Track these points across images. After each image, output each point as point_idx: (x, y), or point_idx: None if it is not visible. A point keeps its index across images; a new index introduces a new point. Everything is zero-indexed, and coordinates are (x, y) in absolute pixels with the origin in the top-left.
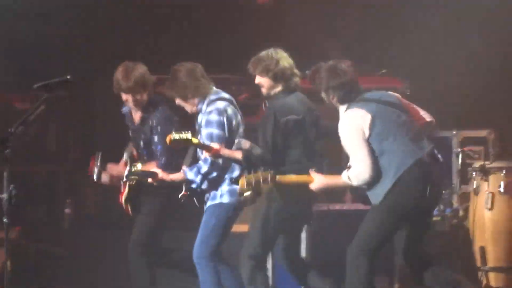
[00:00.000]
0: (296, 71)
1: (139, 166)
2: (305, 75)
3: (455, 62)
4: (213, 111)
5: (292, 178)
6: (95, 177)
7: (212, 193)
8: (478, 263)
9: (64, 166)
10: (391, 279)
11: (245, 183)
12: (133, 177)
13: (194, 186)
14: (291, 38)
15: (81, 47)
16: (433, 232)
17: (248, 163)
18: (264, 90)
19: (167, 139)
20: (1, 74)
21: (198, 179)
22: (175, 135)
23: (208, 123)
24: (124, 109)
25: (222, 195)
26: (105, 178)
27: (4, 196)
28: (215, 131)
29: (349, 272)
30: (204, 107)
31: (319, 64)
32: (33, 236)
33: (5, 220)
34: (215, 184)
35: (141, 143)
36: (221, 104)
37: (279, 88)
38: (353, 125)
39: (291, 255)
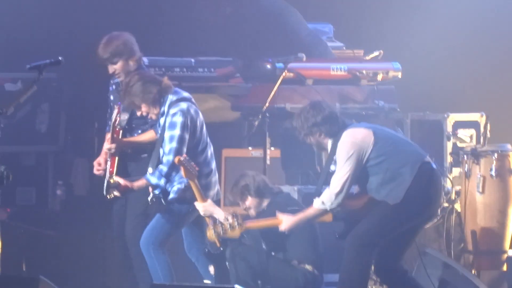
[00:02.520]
0: None
1: (115, 178)
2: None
3: (448, 46)
4: (177, 113)
5: (260, 223)
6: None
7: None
8: (470, 246)
9: (55, 147)
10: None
11: (213, 234)
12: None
13: (157, 191)
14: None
15: (72, 28)
16: None
17: None
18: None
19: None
20: None
21: (161, 182)
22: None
23: (172, 125)
24: (111, 89)
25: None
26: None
27: None
28: (178, 132)
29: (348, 261)
30: (165, 108)
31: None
32: (23, 218)
33: None
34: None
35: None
36: (184, 105)
37: None
38: (357, 143)
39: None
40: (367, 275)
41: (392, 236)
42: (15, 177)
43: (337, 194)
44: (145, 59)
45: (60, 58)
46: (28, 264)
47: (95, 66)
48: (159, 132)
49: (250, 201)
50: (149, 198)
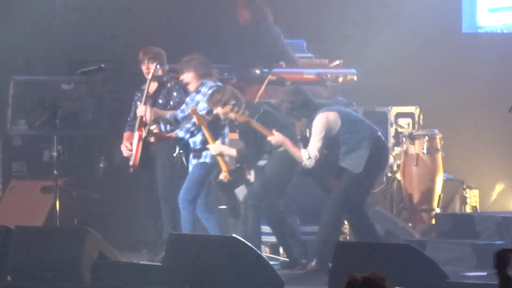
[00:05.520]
0: None
1: (152, 127)
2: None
3: (392, 55)
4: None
5: (258, 126)
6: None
7: (198, 153)
8: (407, 205)
9: (99, 131)
10: None
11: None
12: (149, 134)
13: (183, 140)
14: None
15: (114, 40)
16: None
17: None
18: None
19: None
20: (51, 61)
21: (187, 136)
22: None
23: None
24: (136, 98)
25: (206, 156)
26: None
27: (55, 154)
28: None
29: (327, 217)
30: (203, 89)
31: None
32: (75, 184)
33: (55, 172)
34: (201, 147)
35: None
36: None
37: None
38: (327, 123)
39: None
40: (340, 227)
41: (356, 195)
42: (69, 153)
43: (314, 158)
44: (166, 66)
45: (102, 65)
46: (78, 219)
47: (129, 72)
48: (193, 105)
49: None
50: (174, 154)
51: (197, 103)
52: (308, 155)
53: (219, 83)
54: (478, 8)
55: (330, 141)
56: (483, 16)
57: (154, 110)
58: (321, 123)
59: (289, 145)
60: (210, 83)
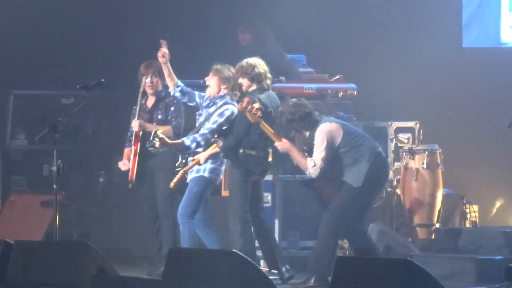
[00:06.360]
0: (269, 75)
1: (159, 131)
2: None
3: (390, 68)
4: (228, 109)
5: (269, 129)
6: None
7: (196, 167)
8: (407, 220)
9: (99, 146)
10: None
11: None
12: (155, 138)
13: (188, 150)
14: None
15: (112, 55)
16: None
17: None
18: (243, 88)
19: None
20: (51, 75)
21: (193, 145)
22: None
23: (221, 115)
24: (135, 109)
25: (204, 170)
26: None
27: (54, 168)
28: (221, 120)
29: (323, 232)
30: (219, 102)
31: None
32: (74, 199)
33: (54, 186)
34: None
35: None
36: (233, 107)
37: (254, 87)
38: (330, 133)
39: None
40: (336, 241)
41: (354, 210)
42: (69, 168)
43: (319, 167)
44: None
45: (102, 80)
46: (78, 233)
47: (128, 86)
48: (203, 114)
49: None
50: (176, 164)
51: (210, 115)
52: (314, 163)
53: (235, 103)
54: (502, 25)
55: (334, 151)
56: (506, 33)
57: (153, 127)
58: (323, 133)
59: (295, 153)
60: (228, 99)
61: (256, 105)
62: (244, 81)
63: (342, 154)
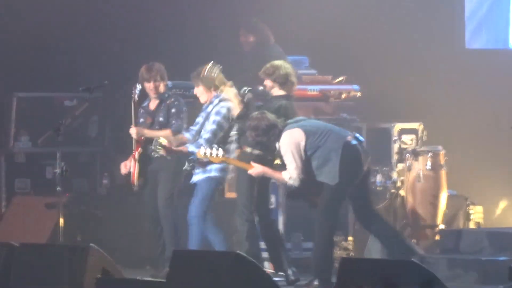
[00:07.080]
0: (292, 79)
1: (161, 139)
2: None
3: (394, 69)
4: (223, 106)
5: (236, 162)
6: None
7: (203, 166)
8: (411, 222)
9: (102, 148)
10: (345, 233)
11: (201, 154)
12: (158, 146)
13: (193, 156)
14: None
15: (115, 57)
16: (377, 198)
17: None
18: (267, 89)
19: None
20: (54, 78)
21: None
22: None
23: (218, 113)
24: (139, 111)
25: (211, 170)
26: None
27: (58, 170)
28: (219, 119)
29: (319, 234)
30: (216, 100)
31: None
32: (78, 201)
33: (58, 188)
34: (207, 160)
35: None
36: (230, 104)
37: (277, 89)
38: (292, 141)
39: None
40: (332, 242)
41: (341, 205)
42: (72, 170)
43: (295, 179)
44: (169, 82)
45: (105, 82)
46: (82, 235)
47: (131, 89)
48: (204, 116)
49: None
50: (183, 168)
51: (208, 114)
52: (289, 175)
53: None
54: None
55: (303, 156)
56: None
57: (152, 133)
58: (286, 143)
59: (270, 172)
60: (224, 95)
61: (212, 152)
62: (267, 82)
63: (311, 157)
